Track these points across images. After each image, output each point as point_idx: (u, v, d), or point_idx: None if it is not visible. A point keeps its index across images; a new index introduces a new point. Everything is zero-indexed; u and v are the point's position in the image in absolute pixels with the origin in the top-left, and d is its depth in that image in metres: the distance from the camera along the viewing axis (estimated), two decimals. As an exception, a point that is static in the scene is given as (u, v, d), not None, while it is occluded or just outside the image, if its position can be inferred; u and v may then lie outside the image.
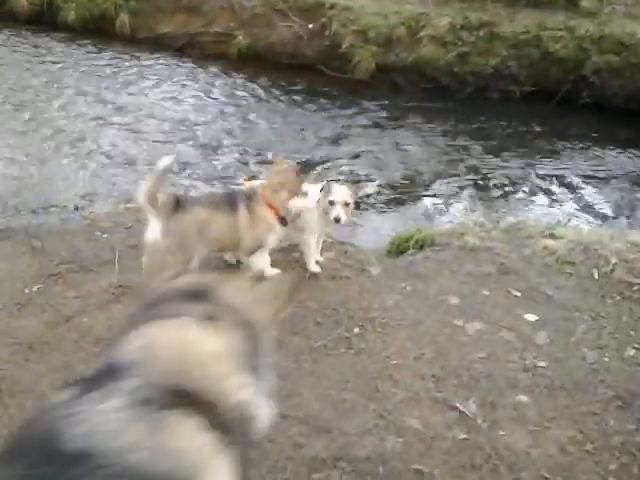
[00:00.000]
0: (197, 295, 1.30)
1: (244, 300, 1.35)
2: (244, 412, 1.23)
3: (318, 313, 3.33)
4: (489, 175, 6.66)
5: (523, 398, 2.74)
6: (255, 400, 1.27)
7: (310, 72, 9.06)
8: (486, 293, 3.48)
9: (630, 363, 3.04)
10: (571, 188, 6.54)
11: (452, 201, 5.97)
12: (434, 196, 6.02)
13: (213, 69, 9.23)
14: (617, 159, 7.42)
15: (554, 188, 6.58)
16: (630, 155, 7.51)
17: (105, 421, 1.04)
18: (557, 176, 6.83)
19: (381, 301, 3.46)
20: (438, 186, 6.17)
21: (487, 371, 2.87)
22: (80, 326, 3.16)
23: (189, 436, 1.11)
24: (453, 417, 2.67)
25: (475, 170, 6.72)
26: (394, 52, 9.03)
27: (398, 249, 4.20)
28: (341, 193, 3.38)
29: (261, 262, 3.37)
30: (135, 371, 1.12)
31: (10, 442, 1.02)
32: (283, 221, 3.35)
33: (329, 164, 6.48)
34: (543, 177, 6.79)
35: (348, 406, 2.71)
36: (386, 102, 8.44)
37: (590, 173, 6.92)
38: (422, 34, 8.98)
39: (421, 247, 3.91)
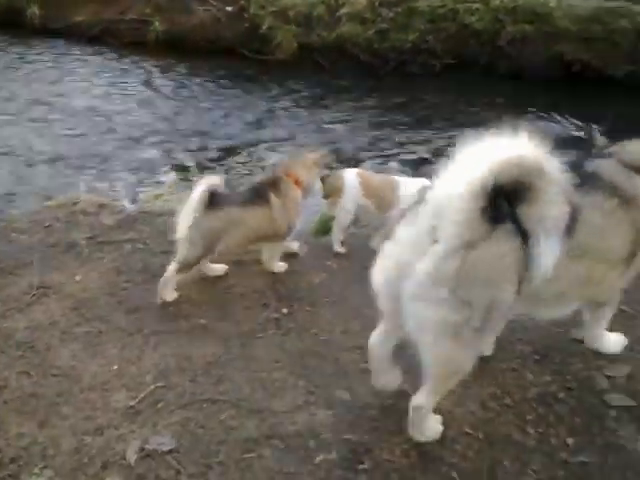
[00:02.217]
0: None
1: None
2: None
3: (246, 298, 3.35)
4: (415, 149, 6.79)
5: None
6: None
7: (231, 55, 8.96)
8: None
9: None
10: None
11: (379, 177, 6.05)
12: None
13: (131, 57, 9.01)
14: (538, 126, 7.67)
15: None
16: (551, 120, 7.77)
17: (602, 166, 2.39)
18: (480, 146, 7.00)
19: (308, 281, 3.52)
20: (365, 163, 6.24)
21: (410, 338, 2.96)
22: (1, 330, 3.08)
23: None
24: (380, 386, 2.75)
25: (401, 145, 6.84)
26: (315, 31, 9.03)
27: (324, 228, 4.25)
28: None
29: (278, 251, 3.58)
30: (612, 153, 2.46)
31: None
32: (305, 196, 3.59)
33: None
34: (466, 148, 6.95)
35: (278, 385, 2.76)
36: (310, 82, 8.45)
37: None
38: (341, 12, 9.01)
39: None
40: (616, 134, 2.71)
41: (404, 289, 2.01)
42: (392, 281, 2.08)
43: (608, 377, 2.76)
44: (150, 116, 7.13)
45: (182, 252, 3.25)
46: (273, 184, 3.46)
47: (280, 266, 3.61)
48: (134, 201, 4.54)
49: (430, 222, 1.95)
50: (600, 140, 2.52)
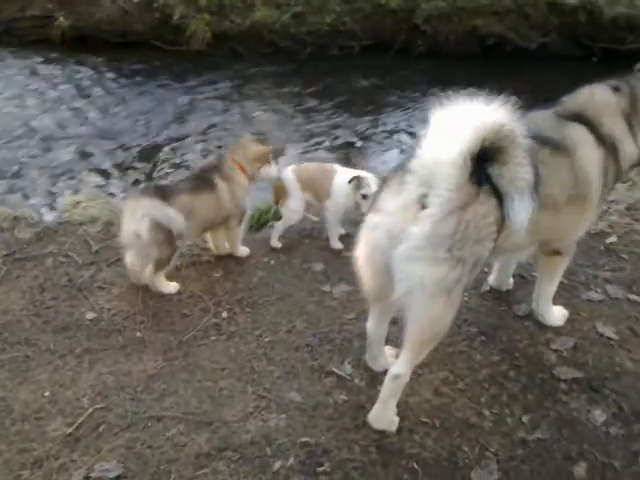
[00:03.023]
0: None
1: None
2: (616, 143, 2.55)
3: (182, 304, 3.20)
4: (339, 134, 6.74)
5: (393, 351, 2.79)
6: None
7: (144, 49, 8.60)
8: (347, 255, 3.50)
9: (487, 298, 3.21)
10: (419, 136, 6.75)
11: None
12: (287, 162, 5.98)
13: (36, 56, 8.47)
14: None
15: (403, 138, 6.78)
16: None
17: (539, 119, 2.51)
18: (404, 126, 7.03)
19: (247, 280, 3.40)
20: (290, 151, 6.14)
21: (358, 330, 2.89)
22: None
23: (577, 131, 2.50)
24: (331, 382, 2.68)
25: (325, 131, 6.77)
26: (229, 19, 8.79)
27: (258, 223, 4.14)
28: None
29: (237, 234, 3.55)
30: (565, 102, 2.62)
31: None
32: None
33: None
34: (392, 129, 6.98)
35: (226, 394, 2.64)
36: (228, 71, 8.24)
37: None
38: (254, -3, 8.82)
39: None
40: (535, 104, 2.73)
41: (397, 254, 2.11)
42: (383, 250, 2.17)
43: (555, 351, 2.80)
44: (62, 118, 6.72)
45: (148, 255, 3.16)
46: (218, 169, 3.42)
47: (244, 250, 3.59)
48: (51, 211, 4.26)
49: (418, 190, 2.07)
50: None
